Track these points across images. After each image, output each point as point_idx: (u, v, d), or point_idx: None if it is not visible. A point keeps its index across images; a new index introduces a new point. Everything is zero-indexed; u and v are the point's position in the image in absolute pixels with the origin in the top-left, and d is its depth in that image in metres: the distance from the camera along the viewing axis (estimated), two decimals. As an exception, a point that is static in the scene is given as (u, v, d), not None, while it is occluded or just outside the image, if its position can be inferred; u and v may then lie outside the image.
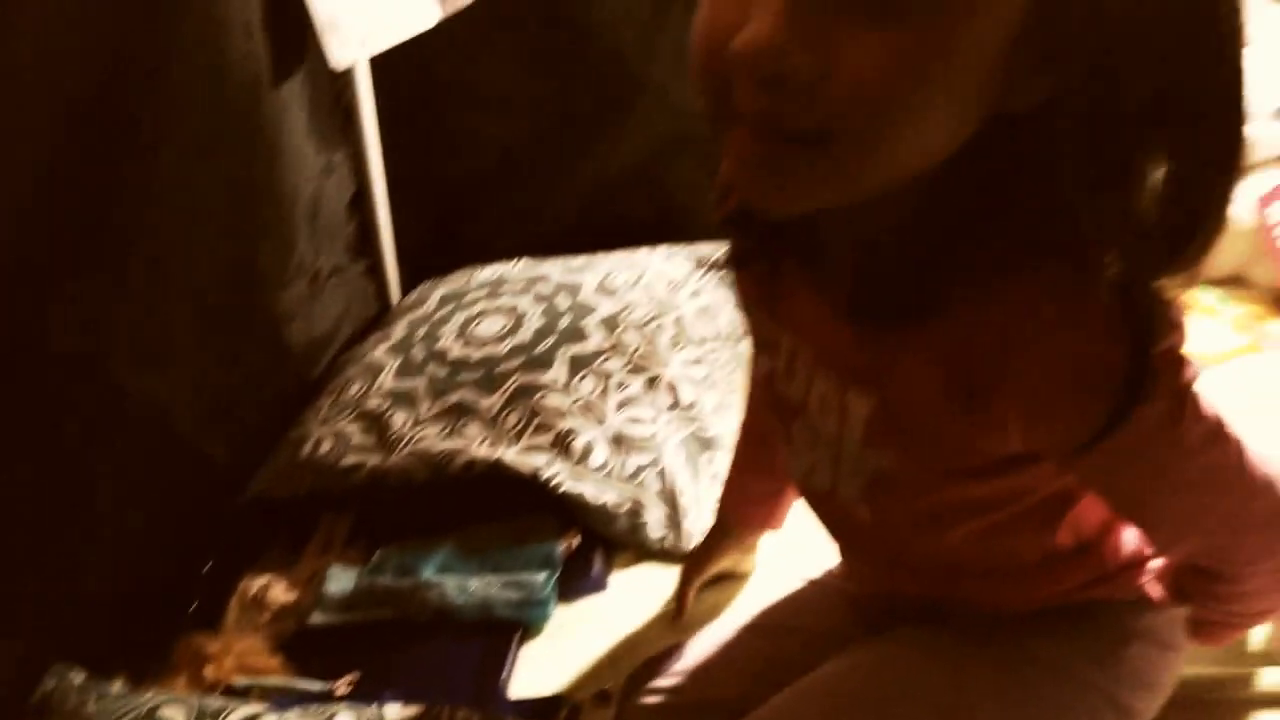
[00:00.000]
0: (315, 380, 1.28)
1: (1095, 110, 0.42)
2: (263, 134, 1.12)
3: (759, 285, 0.62)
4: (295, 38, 1.13)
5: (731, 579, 0.95)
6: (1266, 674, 0.73)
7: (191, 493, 1.08)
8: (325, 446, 1.13)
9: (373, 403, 1.17)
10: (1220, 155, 0.43)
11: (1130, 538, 0.64)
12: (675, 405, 1.12)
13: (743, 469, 0.86)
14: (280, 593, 1.00)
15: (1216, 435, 0.51)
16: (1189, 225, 0.44)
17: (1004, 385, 0.48)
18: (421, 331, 1.26)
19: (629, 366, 1.15)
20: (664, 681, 0.72)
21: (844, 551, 0.72)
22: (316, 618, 0.98)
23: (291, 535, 1.10)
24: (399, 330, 1.28)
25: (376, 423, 1.14)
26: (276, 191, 1.16)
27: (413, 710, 0.81)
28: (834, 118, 0.40)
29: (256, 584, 1.00)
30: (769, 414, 0.67)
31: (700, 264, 1.25)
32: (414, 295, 1.40)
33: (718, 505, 0.91)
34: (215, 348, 1.09)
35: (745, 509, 0.88)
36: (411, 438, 1.11)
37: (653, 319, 1.22)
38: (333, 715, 0.77)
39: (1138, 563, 0.64)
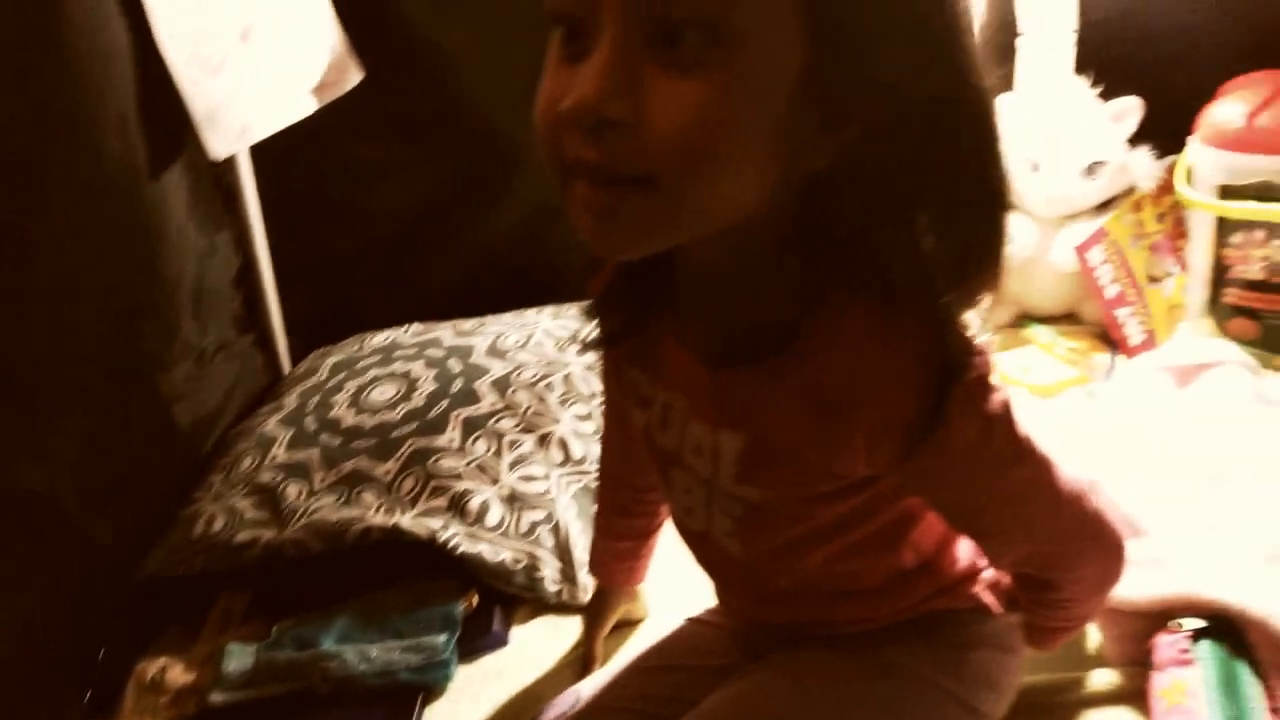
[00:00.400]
0: (205, 456, 1.27)
1: (870, 170, 0.50)
2: (142, 222, 1.13)
3: (633, 349, 0.68)
4: (173, 129, 1.15)
5: (628, 625, 0.99)
6: (1097, 675, 0.82)
7: (81, 578, 1.06)
8: (218, 523, 1.13)
9: (265, 476, 1.17)
10: (978, 206, 0.52)
11: (964, 553, 0.71)
12: (567, 460, 1.16)
13: (604, 532, 0.91)
14: (178, 674, 0.99)
15: (1027, 452, 0.58)
16: (962, 265, 0.53)
17: (851, 411, 0.55)
18: (314, 401, 1.28)
19: (521, 426, 1.19)
20: (559, 726, 0.76)
21: (719, 589, 0.78)
22: (216, 697, 0.97)
23: (188, 615, 1.09)
24: (291, 401, 1.30)
25: (270, 496, 1.15)
26: (158, 276, 1.17)
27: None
28: (654, 160, 0.46)
29: (154, 667, 0.99)
30: (650, 462, 0.73)
31: (578, 338, 1.30)
32: (305, 365, 1.41)
33: (588, 568, 0.96)
34: (100, 433, 1.08)
35: (610, 569, 0.93)
36: (306, 509, 1.11)
37: (543, 378, 1.26)
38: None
39: (972, 575, 0.72)
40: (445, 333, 1.38)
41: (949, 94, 0.49)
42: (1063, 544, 0.64)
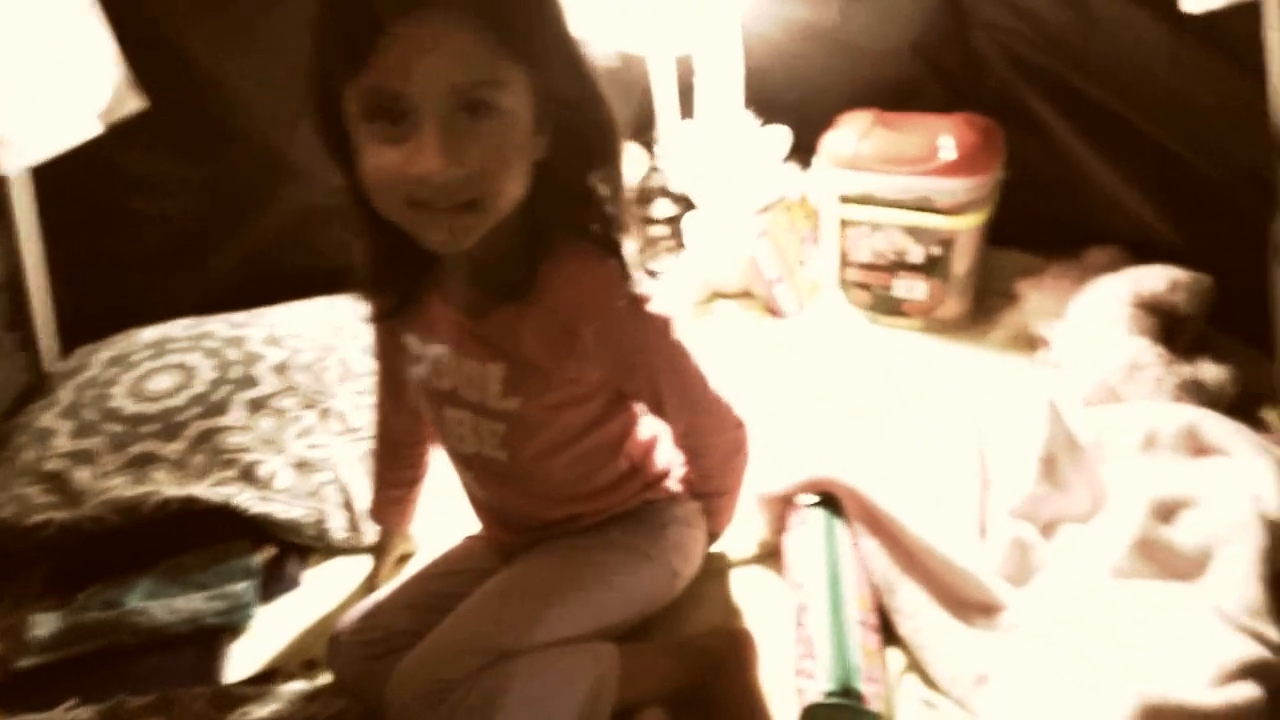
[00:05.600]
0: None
1: (563, 155, 0.80)
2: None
3: (405, 319, 0.91)
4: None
5: (403, 559, 1.20)
6: (755, 545, 1.15)
7: None
8: (7, 511, 1.19)
9: (51, 464, 1.25)
10: (605, 157, 0.83)
11: (661, 459, 1.01)
12: (346, 429, 1.34)
13: (380, 483, 1.13)
14: (-23, 651, 1.05)
15: (686, 348, 0.90)
16: (618, 219, 0.84)
17: (583, 323, 0.84)
18: (90, 394, 1.35)
19: (303, 403, 1.34)
20: (357, 623, 0.97)
21: (484, 509, 1.02)
22: (25, 662, 1.06)
23: (-19, 597, 1.14)
24: (65, 395, 1.36)
25: (59, 482, 1.23)
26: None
27: (149, 697, 0.97)
28: (478, 190, 0.74)
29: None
30: (425, 408, 0.95)
31: (351, 323, 1.46)
32: (71, 362, 1.46)
33: (370, 515, 1.17)
34: None
35: (387, 513, 1.15)
36: (99, 489, 1.21)
37: (319, 360, 1.41)
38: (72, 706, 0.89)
39: (666, 474, 1.02)
40: (218, 325, 1.48)
41: (588, 92, 0.79)
42: (708, 414, 0.96)
